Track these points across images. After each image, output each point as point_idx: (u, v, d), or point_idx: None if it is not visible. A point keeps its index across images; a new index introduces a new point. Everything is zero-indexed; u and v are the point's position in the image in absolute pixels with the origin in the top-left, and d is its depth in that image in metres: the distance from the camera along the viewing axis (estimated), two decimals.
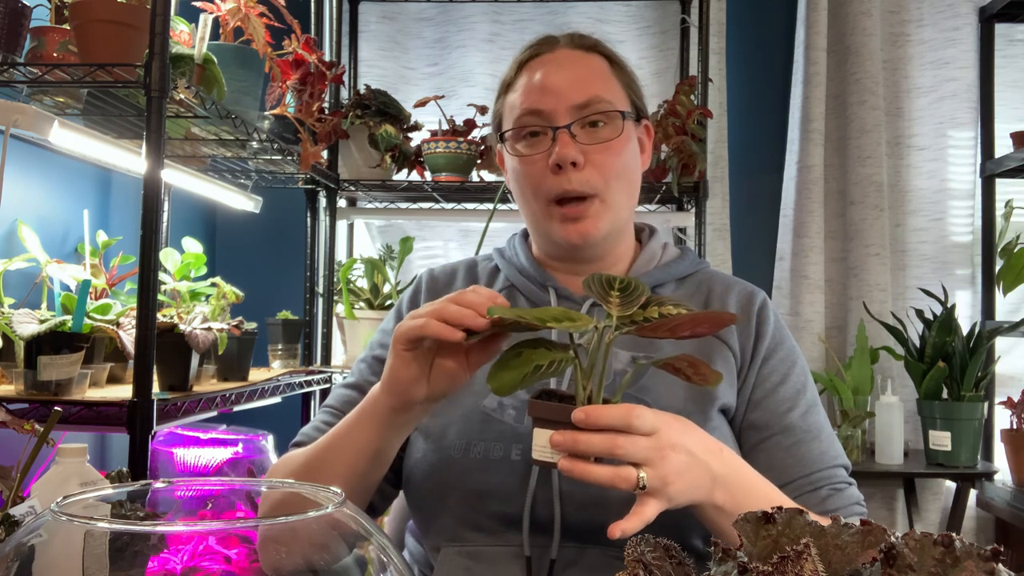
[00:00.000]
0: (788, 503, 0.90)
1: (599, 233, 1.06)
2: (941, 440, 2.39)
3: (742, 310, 1.10)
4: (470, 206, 2.61)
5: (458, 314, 0.84)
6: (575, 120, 1.04)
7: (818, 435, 1.03)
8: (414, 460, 1.06)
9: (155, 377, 1.45)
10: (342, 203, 2.70)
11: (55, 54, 1.46)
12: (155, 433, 1.40)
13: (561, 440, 0.79)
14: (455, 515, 1.01)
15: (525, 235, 1.20)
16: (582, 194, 1.04)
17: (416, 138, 2.48)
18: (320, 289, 2.48)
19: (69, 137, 1.47)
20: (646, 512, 0.80)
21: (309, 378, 2.15)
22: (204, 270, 1.82)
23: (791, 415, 1.03)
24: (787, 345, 1.09)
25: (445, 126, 2.41)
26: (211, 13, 1.63)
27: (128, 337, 1.46)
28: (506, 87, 1.12)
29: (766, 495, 0.89)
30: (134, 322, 1.38)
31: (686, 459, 0.82)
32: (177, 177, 1.94)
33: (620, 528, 0.78)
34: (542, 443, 0.81)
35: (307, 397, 2.38)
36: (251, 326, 1.81)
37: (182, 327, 1.53)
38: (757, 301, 1.11)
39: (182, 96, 1.46)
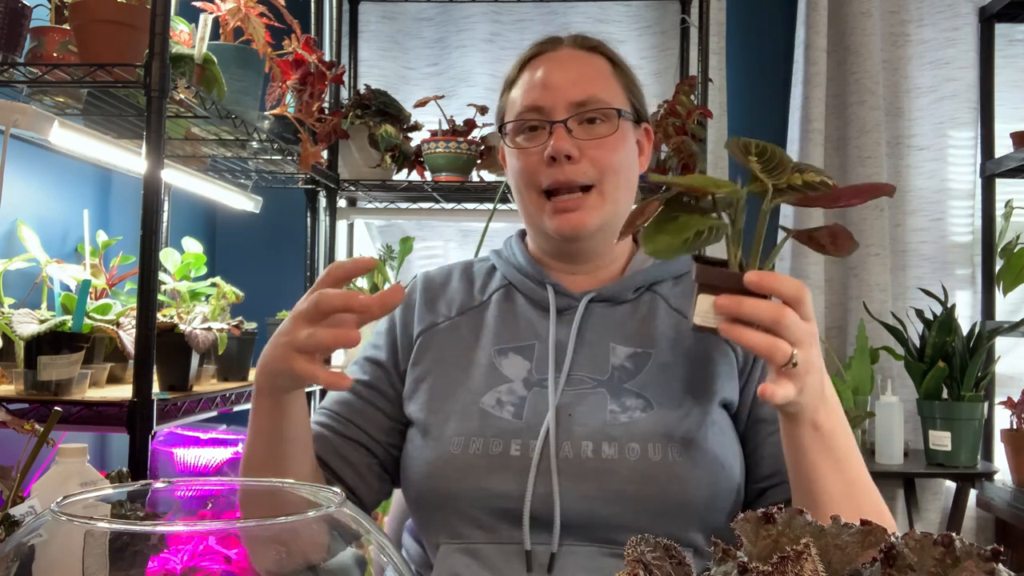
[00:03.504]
0: (861, 460, 0.93)
1: (591, 226, 1.06)
2: (941, 440, 2.38)
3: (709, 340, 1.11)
4: (470, 206, 2.61)
5: (331, 338, 0.86)
6: (571, 116, 1.06)
7: None
8: (412, 457, 1.06)
9: (155, 377, 1.45)
10: (342, 203, 2.70)
11: (55, 54, 1.46)
12: (155, 433, 1.40)
13: (727, 304, 0.81)
14: (455, 512, 1.01)
15: (522, 235, 1.21)
16: (576, 183, 1.05)
17: (416, 138, 2.48)
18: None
19: (69, 137, 1.47)
20: (788, 387, 0.82)
21: None
22: (204, 270, 1.82)
23: None
24: None
25: (445, 126, 2.41)
26: (211, 13, 1.63)
27: (128, 337, 1.46)
28: (509, 84, 1.14)
29: (852, 443, 0.92)
30: (134, 322, 1.38)
31: (819, 360, 0.86)
32: (177, 177, 1.94)
33: (771, 390, 0.82)
34: (705, 308, 0.83)
35: (307, 397, 2.37)
36: (251, 326, 1.81)
37: (182, 327, 1.53)
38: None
39: (182, 96, 1.46)
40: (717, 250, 0.87)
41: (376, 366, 1.14)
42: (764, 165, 0.82)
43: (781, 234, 0.87)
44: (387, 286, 2.34)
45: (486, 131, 2.42)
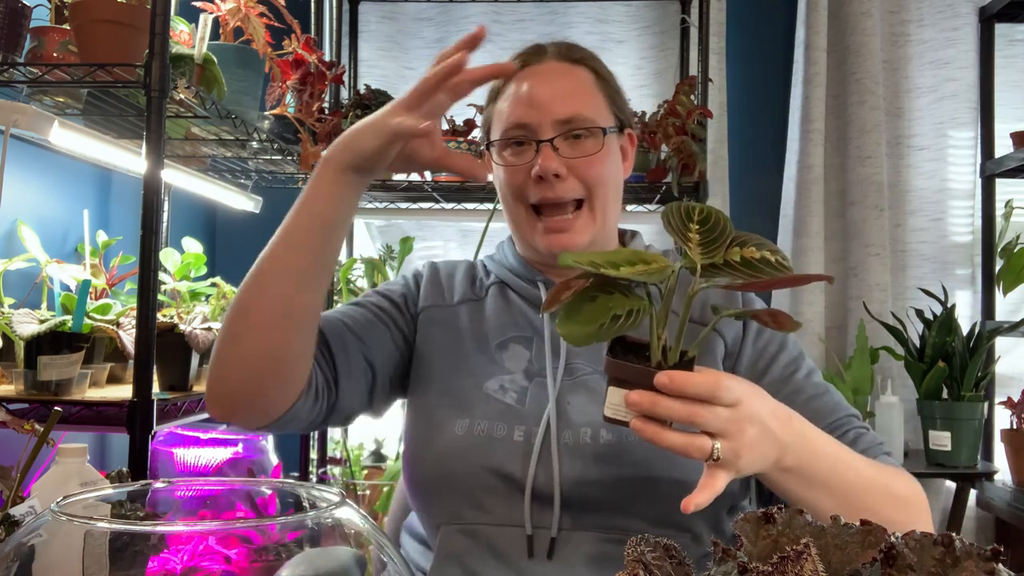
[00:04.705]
0: (854, 456, 0.92)
1: (581, 244, 1.08)
2: (941, 440, 2.38)
3: (727, 298, 1.13)
4: (470, 206, 2.61)
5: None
6: (558, 134, 1.07)
7: (826, 391, 1.06)
8: (414, 439, 1.07)
9: (155, 377, 1.45)
10: None
11: (55, 54, 1.46)
12: (155, 433, 1.40)
13: (639, 401, 0.77)
14: (458, 493, 1.02)
15: (512, 239, 1.23)
16: (565, 200, 1.07)
17: None
18: None
19: (69, 137, 1.47)
20: (716, 484, 0.79)
21: None
22: (204, 270, 1.82)
23: (796, 376, 1.06)
24: None
25: (445, 126, 2.41)
26: (211, 13, 1.63)
27: (128, 337, 1.46)
28: (495, 95, 1.15)
29: (835, 454, 0.90)
30: (134, 322, 1.38)
31: (759, 431, 0.81)
32: (177, 177, 1.94)
33: (693, 502, 0.78)
34: (616, 401, 0.78)
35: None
36: None
37: (182, 327, 1.53)
38: (738, 295, 1.14)
39: (182, 96, 1.46)
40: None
41: (390, 301, 1.14)
42: (704, 236, 0.77)
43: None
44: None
45: None
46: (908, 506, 0.94)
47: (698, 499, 0.79)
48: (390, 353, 1.10)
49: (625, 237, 1.22)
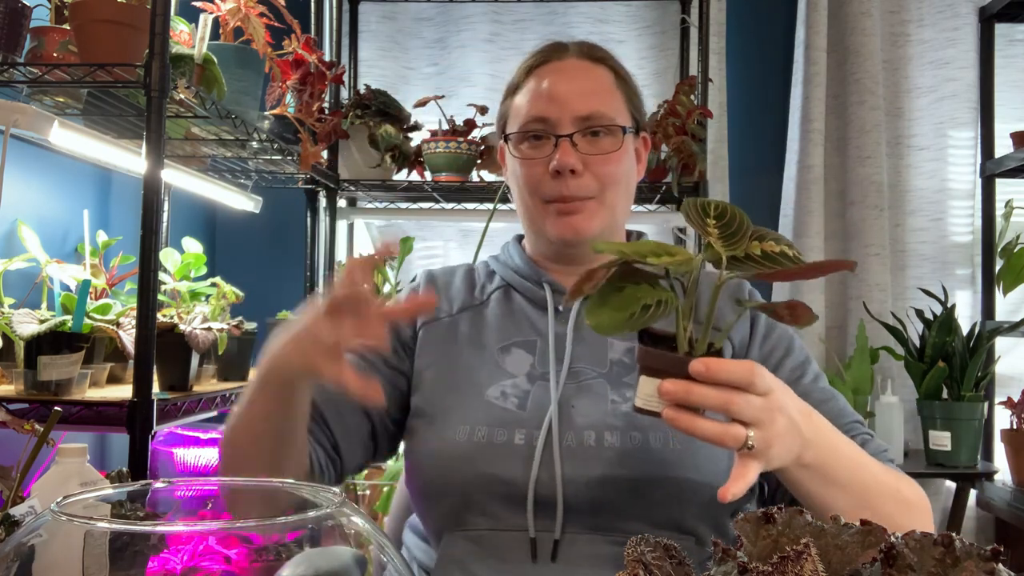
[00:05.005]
0: (868, 458, 0.92)
1: (592, 230, 1.09)
2: (941, 440, 2.38)
3: (733, 299, 1.14)
4: (470, 206, 2.61)
5: (355, 331, 0.86)
6: (577, 130, 1.08)
7: (833, 396, 1.06)
8: (416, 447, 1.07)
9: (155, 377, 1.45)
10: (342, 203, 2.70)
11: (55, 54, 1.46)
12: (155, 433, 1.40)
13: (673, 389, 0.76)
14: (460, 500, 1.02)
15: (519, 239, 1.23)
16: (579, 197, 1.08)
17: (416, 138, 2.48)
18: (320, 289, 2.48)
19: (69, 137, 1.47)
20: (749, 474, 0.79)
21: None
22: (204, 270, 1.82)
23: (802, 381, 1.06)
24: (782, 325, 1.12)
25: (445, 126, 2.41)
26: (211, 13, 1.63)
27: (128, 337, 1.46)
28: (513, 89, 1.15)
29: (851, 454, 0.91)
30: (134, 322, 1.38)
31: (788, 422, 0.82)
32: (177, 177, 1.94)
33: (730, 492, 0.78)
34: (648, 391, 0.78)
35: None
36: (251, 326, 1.81)
37: (182, 327, 1.53)
38: (745, 289, 1.15)
39: (182, 96, 1.46)
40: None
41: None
42: (723, 230, 0.77)
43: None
44: (387, 287, 2.35)
45: (486, 131, 2.42)
46: (915, 510, 0.94)
47: (733, 489, 0.78)
48: (386, 395, 1.10)
49: (632, 238, 1.22)
